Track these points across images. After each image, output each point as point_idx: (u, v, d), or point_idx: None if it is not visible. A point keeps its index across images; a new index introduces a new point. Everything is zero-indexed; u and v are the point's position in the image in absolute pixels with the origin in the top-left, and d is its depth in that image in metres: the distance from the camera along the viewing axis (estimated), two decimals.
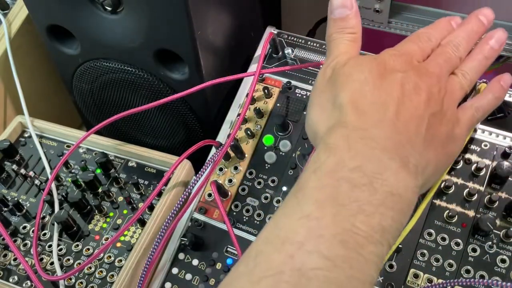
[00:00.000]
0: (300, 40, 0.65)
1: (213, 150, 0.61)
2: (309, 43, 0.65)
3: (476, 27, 0.48)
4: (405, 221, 0.38)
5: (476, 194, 0.52)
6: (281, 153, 0.59)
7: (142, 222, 0.59)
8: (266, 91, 0.62)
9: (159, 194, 0.61)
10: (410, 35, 0.48)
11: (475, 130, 0.55)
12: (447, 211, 0.51)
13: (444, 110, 0.43)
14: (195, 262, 0.56)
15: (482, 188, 0.52)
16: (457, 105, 0.46)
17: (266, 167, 0.59)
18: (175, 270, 0.56)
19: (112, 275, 0.57)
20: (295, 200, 0.37)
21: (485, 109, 0.48)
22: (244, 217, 0.57)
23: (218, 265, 0.55)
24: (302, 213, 0.36)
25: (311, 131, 0.45)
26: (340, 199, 0.36)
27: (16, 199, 0.62)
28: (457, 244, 0.50)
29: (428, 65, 0.45)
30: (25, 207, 0.63)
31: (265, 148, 0.60)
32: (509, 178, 0.52)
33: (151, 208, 0.60)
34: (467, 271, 0.49)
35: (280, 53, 0.64)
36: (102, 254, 0.58)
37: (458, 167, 0.53)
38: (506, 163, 0.51)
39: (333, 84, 0.43)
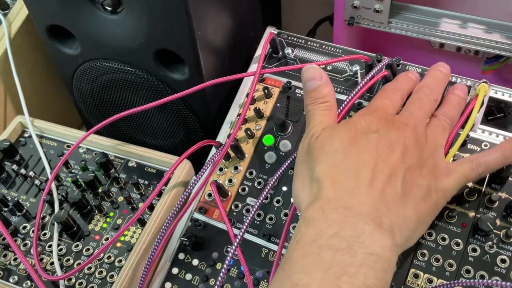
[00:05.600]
0: (300, 40, 0.65)
1: (213, 150, 0.61)
2: (309, 43, 0.65)
3: (440, 75, 0.52)
4: (389, 279, 0.40)
5: (476, 194, 0.52)
6: (281, 153, 0.59)
7: (142, 222, 0.59)
8: (266, 91, 0.62)
9: (159, 194, 0.61)
10: (378, 92, 0.50)
11: (475, 130, 0.55)
12: (447, 211, 0.51)
13: (424, 160, 0.44)
14: (195, 262, 0.56)
15: (482, 188, 0.52)
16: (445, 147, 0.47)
17: (266, 167, 0.59)
18: (175, 270, 0.56)
19: (112, 275, 0.57)
20: (283, 273, 0.40)
21: (489, 166, 0.48)
22: (244, 217, 0.57)
23: (218, 265, 0.55)
24: (291, 282, 0.38)
25: (295, 203, 0.47)
26: (325, 264, 0.38)
27: (16, 199, 0.62)
28: (457, 244, 0.50)
29: (402, 116, 0.46)
30: (25, 207, 0.63)
31: (265, 148, 0.60)
32: (509, 178, 0.52)
33: (151, 208, 0.60)
34: (467, 271, 0.49)
35: (280, 53, 0.64)
36: (102, 254, 0.58)
37: None
38: None
39: (309, 157, 0.46)
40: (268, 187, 0.52)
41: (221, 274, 0.48)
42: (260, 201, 0.51)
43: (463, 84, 0.53)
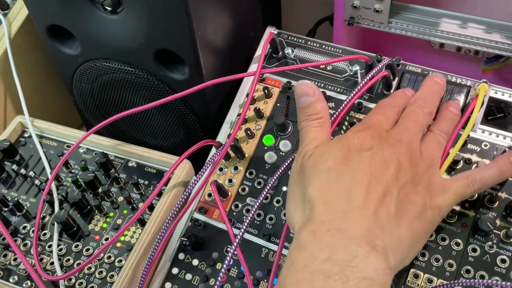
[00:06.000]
0: (300, 40, 0.65)
1: (213, 150, 0.61)
2: (309, 43, 0.65)
3: (435, 86, 0.51)
4: None
5: (476, 194, 0.52)
6: (281, 153, 0.59)
7: (142, 222, 0.59)
8: (266, 91, 0.62)
9: (159, 194, 0.61)
10: (373, 107, 0.50)
11: (475, 130, 0.55)
12: None
13: (419, 176, 0.44)
14: (195, 262, 0.56)
15: None
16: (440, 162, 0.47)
17: (266, 167, 0.59)
18: (175, 270, 0.56)
19: (112, 275, 0.57)
20: None
21: (485, 183, 0.47)
22: (244, 217, 0.57)
23: (218, 265, 0.55)
24: None
25: (289, 223, 0.46)
26: None
27: (16, 199, 0.62)
28: (457, 244, 0.50)
29: (396, 132, 0.45)
30: (25, 207, 0.63)
31: (265, 148, 0.60)
32: (509, 178, 0.52)
33: (151, 208, 0.60)
34: (467, 271, 0.49)
35: (280, 53, 0.64)
36: (102, 254, 0.58)
37: (458, 167, 0.53)
38: None
39: (302, 176, 0.45)
40: (268, 187, 0.52)
41: (221, 274, 0.48)
42: (259, 201, 0.51)
43: (456, 101, 0.53)
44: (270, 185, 0.52)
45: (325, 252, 0.38)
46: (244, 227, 0.50)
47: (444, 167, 0.49)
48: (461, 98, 0.56)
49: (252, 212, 0.51)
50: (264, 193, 0.52)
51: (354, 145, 0.44)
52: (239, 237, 0.50)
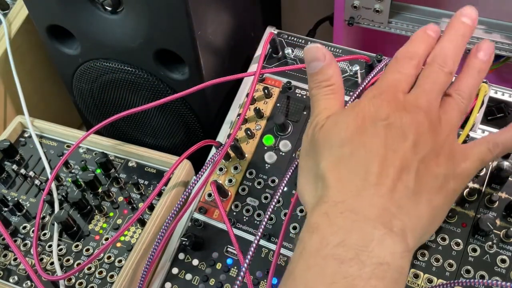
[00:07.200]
0: (300, 40, 0.65)
1: (213, 150, 0.61)
2: (309, 43, 0.65)
3: (461, 31, 0.43)
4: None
5: (476, 194, 0.52)
6: (281, 153, 0.59)
7: (142, 222, 0.59)
8: (266, 91, 0.62)
9: (159, 194, 0.61)
10: (389, 62, 0.44)
11: (475, 130, 0.55)
12: None
13: (440, 146, 0.40)
14: (195, 262, 0.56)
15: (482, 188, 0.52)
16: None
17: (266, 167, 0.59)
18: (175, 270, 0.56)
19: (112, 275, 0.57)
20: None
21: (506, 145, 0.43)
22: (244, 217, 0.57)
23: (218, 265, 0.55)
24: None
25: (301, 200, 0.43)
26: (329, 278, 0.35)
27: (16, 199, 0.62)
28: (457, 244, 0.50)
29: (414, 96, 0.41)
30: (25, 207, 0.63)
31: (265, 148, 0.60)
32: (509, 178, 0.52)
33: (151, 208, 0.60)
34: (467, 271, 0.49)
35: (280, 53, 0.64)
36: (102, 254, 0.58)
37: None
38: (506, 163, 0.51)
39: (314, 149, 0.42)
40: (279, 193, 0.50)
41: (238, 282, 0.45)
42: (272, 206, 0.49)
43: (489, 42, 0.44)
44: (280, 191, 0.50)
45: (338, 235, 0.36)
46: (259, 233, 0.48)
47: (464, 135, 0.46)
48: None
49: (265, 220, 0.49)
50: (276, 198, 0.49)
51: (369, 113, 0.40)
52: (252, 249, 0.47)
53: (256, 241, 0.47)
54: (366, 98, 0.41)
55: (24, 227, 0.62)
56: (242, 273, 0.45)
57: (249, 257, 0.46)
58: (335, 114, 0.42)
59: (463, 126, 0.52)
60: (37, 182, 0.65)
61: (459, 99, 0.42)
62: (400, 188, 0.38)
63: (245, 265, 0.46)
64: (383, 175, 0.38)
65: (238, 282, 0.45)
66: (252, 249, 0.46)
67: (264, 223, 0.48)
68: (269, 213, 0.49)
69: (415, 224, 0.38)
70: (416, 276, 0.50)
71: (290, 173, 0.51)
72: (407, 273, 0.37)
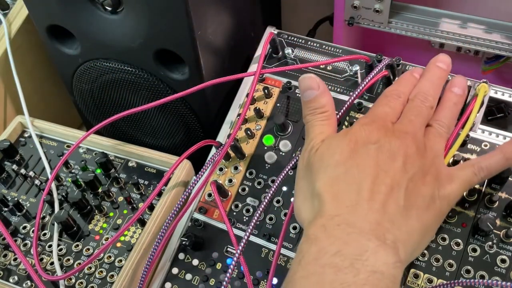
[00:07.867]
0: (300, 40, 0.65)
1: (213, 150, 0.61)
2: (309, 43, 0.65)
3: (437, 74, 0.50)
4: None
5: (476, 194, 0.52)
6: (281, 153, 0.59)
7: (142, 222, 0.59)
8: (266, 91, 0.62)
9: (159, 194, 0.61)
10: (379, 97, 0.49)
11: (475, 130, 0.55)
12: None
13: (427, 167, 0.44)
14: (195, 262, 0.56)
15: (482, 188, 0.52)
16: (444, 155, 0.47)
17: (266, 167, 0.59)
18: (175, 270, 0.56)
19: (112, 275, 0.57)
20: None
21: (491, 170, 0.47)
22: (244, 217, 0.57)
23: (218, 265, 0.55)
24: None
25: (298, 218, 0.46)
26: (327, 284, 0.37)
27: (16, 199, 0.62)
28: (457, 244, 0.50)
29: (401, 124, 0.46)
30: (25, 207, 0.63)
31: (265, 148, 0.60)
32: (509, 178, 0.52)
33: (151, 208, 0.60)
34: (467, 271, 0.49)
35: (280, 53, 0.64)
36: (102, 254, 0.58)
37: None
38: None
39: (309, 170, 0.45)
40: (272, 190, 0.51)
41: (226, 279, 0.47)
42: (264, 204, 0.51)
43: (462, 77, 0.51)
44: (273, 188, 0.52)
45: (335, 246, 0.38)
46: (249, 229, 0.49)
47: (448, 158, 0.49)
48: None
49: (257, 213, 0.50)
50: (269, 196, 0.51)
51: (361, 138, 0.44)
52: (242, 244, 0.49)
53: (248, 232, 0.49)
54: (358, 125, 0.46)
55: (24, 227, 0.62)
56: (233, 262, 0.48)
57: (240, 247, 0.48)
58: (329, 138, 0.46)
59: (463, 127, 0.52)
60: (37, 182, 0.65)
61: (439, 128, 0.47)
62: (391, 204, 0.41)
63: (237, 254, 0.48)
64: (375, 191, 0.41)
65: (230, 270, 0.47)
66: (246, 237, 0.49)
67: (255, 217, 0.50)
68: (263, 206, 0.51)
69: (407, 238, 0.41)
70: (416, 276, 0.50)
71: (285, 173, 0.52)
72: (399, 284, 0.39)
